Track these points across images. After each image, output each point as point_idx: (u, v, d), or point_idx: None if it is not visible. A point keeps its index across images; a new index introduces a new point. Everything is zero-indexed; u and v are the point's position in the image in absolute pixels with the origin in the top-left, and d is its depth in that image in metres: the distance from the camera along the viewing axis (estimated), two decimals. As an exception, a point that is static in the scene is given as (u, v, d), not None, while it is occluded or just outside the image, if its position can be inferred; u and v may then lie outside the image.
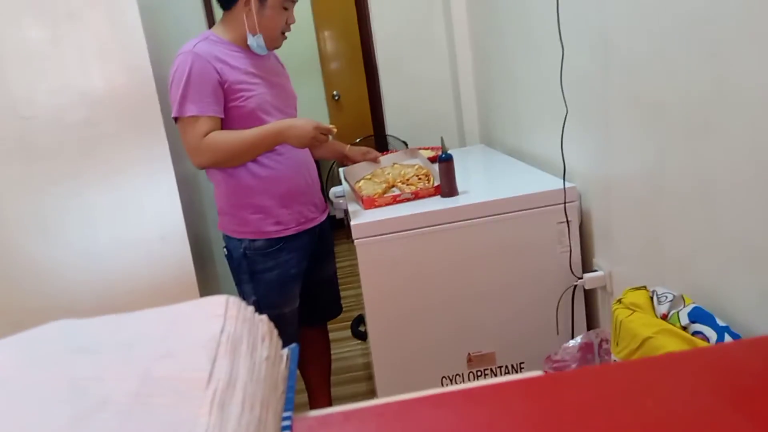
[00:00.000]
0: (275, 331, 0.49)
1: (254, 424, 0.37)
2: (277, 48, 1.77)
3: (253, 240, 1.73)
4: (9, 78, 1.88)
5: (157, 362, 0.39)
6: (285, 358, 0.49)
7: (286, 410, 0.43)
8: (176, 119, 1.64)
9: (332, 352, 2.15)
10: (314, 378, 2.07)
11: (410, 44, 3.04)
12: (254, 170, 1.70)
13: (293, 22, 1.72)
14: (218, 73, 1.61)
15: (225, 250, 1.81)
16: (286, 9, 1.69)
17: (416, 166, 2.00)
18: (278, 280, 1.76)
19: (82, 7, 1.86)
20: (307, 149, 1.81)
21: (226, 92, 1.63)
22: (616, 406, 0.38)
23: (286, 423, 0.41)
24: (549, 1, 1.57)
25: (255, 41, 1.69)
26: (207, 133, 1.60)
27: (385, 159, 2.10)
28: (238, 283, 1.80)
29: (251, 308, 0.49)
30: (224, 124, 1.65)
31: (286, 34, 1.75)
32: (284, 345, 1.72)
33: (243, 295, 1.80)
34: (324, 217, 1.90)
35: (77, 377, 0.38)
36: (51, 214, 1.97)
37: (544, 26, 1.75)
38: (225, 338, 0.43)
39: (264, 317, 0.49)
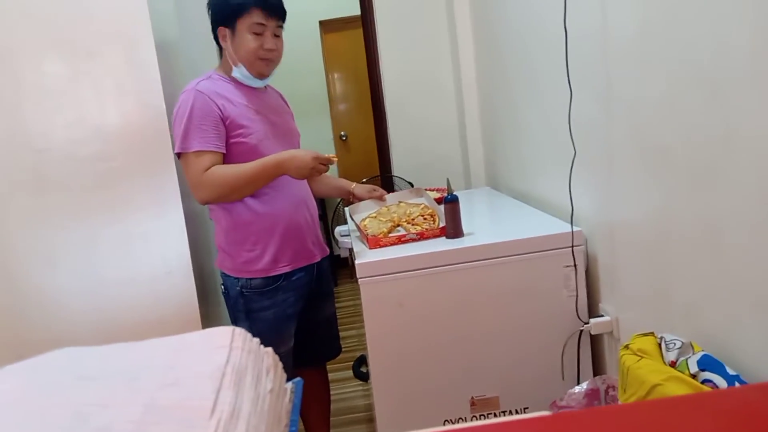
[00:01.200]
0: (280, 365, 0.49)
1: (257, 456, 0.37)
2: (263, 76, 1.76)
3: (250, 279, 1.73)
4: (26, 111, 1.93)
5: (161, 391, 0.39)
6: (289, 391, 0.49)
7: (289, 444, 0.43)
8: (179, 155, 1.68)
9: (333, 392, 2.12)
10: (313, 419, 2.04)
11: (418, 87, 3.09)
12: (253, 206, 1.71)
13: (270, 47, 1.70)
14: (220, 109, 1.65)
15: (222, 287, 1.81)
16: (257, 34, 1.68)
17: (422, 206, 2.01)
18: (274, 320, 1.75)
19: (102, 45, 1.92)
20: (307, 186, 1.83)
21: (227, 128, 1.66)
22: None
23: (289, 456, 0.41)
24: (556, 45, 1.61)
25: (239, 72, 1.73)
26: (209, 168, 1.63)
27: (391, 197, 2.11)
28: (234, 321, 1.79)
29: (256, 340, 0.49)
30: (226, 159, 1.68)
31: (274, 61, 1.75)
32: None
33: None
34: (322, 256, 1.90)
35: (81, 404, 0.38)
36: (60, 245, 1.98)
37: (550, 70, 1.78)
38: (230, 369, 0.43)
39: (269, 350, 0.49)
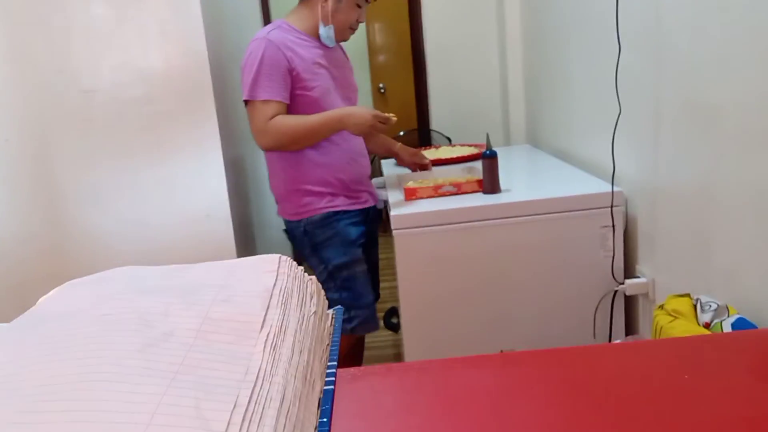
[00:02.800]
0: (323, 292, 0.52)
1: (302, 366, 0.39)
2: (344, 41, 1.85)
3: (310, 217, 1.78)
4: (74, 52, 1.97)
5: (216, 306, 0.42)
6: (331, 316, 0.51)
7: (330, 360, 0.45)
8: (246, 102, 1.72)
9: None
10: (346, 363, 2.10)
11: (460, 41, 3.03)
12: (310, 157, 1.76)
13: (363, 20, 1.80)
14: (288, 60, 1.69)
15: (285, 233, 1.88)
16: (359, 6, 1.77)
17: (468, 176, 1.99)
18: (341, 245, 1.82)
19: (147, -11, 1.93)
20: (362, 141, 1.87)
21: (293, 79, 1.71)
22: (653, 377, 0.39)
23: (331, 370, 0.43)
24: None
25: (326, 32, 1.77)
26: (273, 117, 1.68)
27: (438, 171, 2.10)
28: (306, 259, 1.88)
29: (301, 268, 0.51)
30: (289, 110, 1.73)
31: (355, 30, 1.83)
32: (361, 306, 1.74)
33: (313, 269, 1.87)
34: (374, 202, 1.95)
35: (145, 312, 0.40)
36: (105, 186, 2.04)
37: (599, 24, 1.73)
38: (277, 291, 0.45)
39: (313, 278, 0.51)
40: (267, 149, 1.77)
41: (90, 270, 2.16)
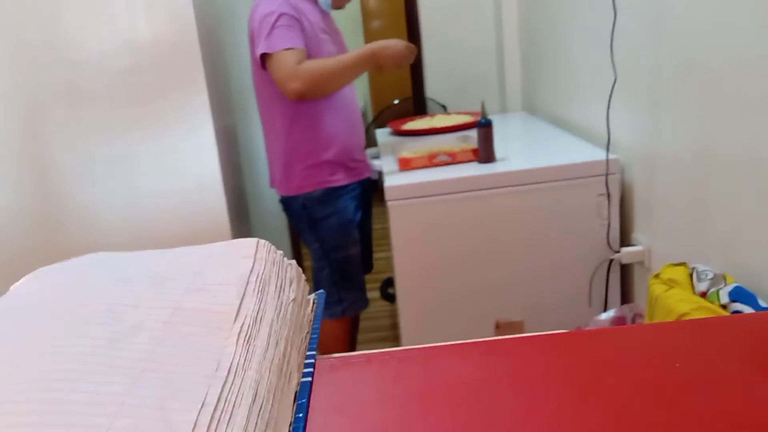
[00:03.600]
0: (303, 276, 0.50)
1: (278, 358, 0.38)
2: (340, 8, 1.81)
3: (310, 192, 1.76)
4: (60, 22, 1.92)
5: (188, 295, 0.40)
6: (312, 302, 0.50)
7: (309, 350, 0.44)
8: (264, 58, 1.66)
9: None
10: (342, 346, 2.11)
11: (455, 6, 2.96)
12: (311, 126, 1.74)
13: None
14: (300, 21, 1.66)
15: (282, 205, 1.86)
16: None
17: (464, 145, 1.97)
18: (338, 225, 1.81)
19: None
20: (359, 109, 1.86)
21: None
22: (644, 365, 0.38)
23: (310, 361, 0.42)
24: (605, -39, 1.51)
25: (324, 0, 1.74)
26: (301, 61, 1.63)
27: (433, 141, 2.07)
28: (301, 234, 1.87)
29: (281, 252, 0.50)
30: None
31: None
32: (353, 288, 1.74)
33: (307, 245, 1.86)
34: (369, 173, 1.93)
35: (113, 303, 0.39)
36: (96, 159, 2.02)
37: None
38: (254, 278, 0.44)
39: (293, 262, 0.50)
40: (299, 96, 1.65)
41: (82, 243, 2.15)
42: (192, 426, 0.30)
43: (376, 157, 2.04)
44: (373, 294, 2.73)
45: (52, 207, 2.04)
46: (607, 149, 1.58)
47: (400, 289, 1.72)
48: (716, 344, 0.38)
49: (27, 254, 2.02)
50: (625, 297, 1.72)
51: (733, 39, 1.09)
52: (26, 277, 0.49)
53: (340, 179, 1.79)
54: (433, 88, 3.10)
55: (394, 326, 2.53)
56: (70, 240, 2.03)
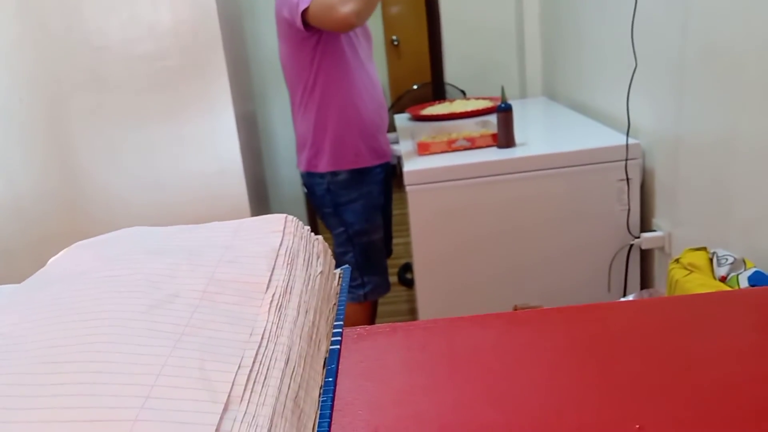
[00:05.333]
0: (329, 251, 0.51)
1: (308, 327, 0.40)
2: None
3: (336, 174, 1.77)
4: (84, 9, 1.94)
5: (221, 267, 0.42)
6: (338, 276, 0.51)
7: (336, 320, 0.45)
8: (305, 16, 1.61)
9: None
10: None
11: (476, -10, 2.94)
12: (339, 105, 1.74)
13: None
14: None
15: (305, 190, 1.87)
16: None
17: (483, 130, 1.97)
18: (363, 210, 1.82)
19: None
20: (381, 88, 1.87)
21: None
22: (662, 336, 0.39)
23: (337, 330, 0.44)
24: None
25: None
26: None
27: (452, 125, 2.07)
28: (324, 218, 1.88)
29: (307, 228, 0.51)
30: (317, 46, 1.69)
31: None
32: (376, 272, 1.75)
33: (331, 229, 1.88)
34: (391, 157, 1.94)
35: (150, 273, 0.40)
36: (118, 143, 2.05)
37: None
38: (283, 251, 0.45)
39: (320, 237, 0.51)
40: (356, 17, 1.57)
41: (106, 226, 2.19)
42: (230, 385, 0.32)
43: (395, 142, 2.05)
44: (390, 279, 2.76)
45: (75, 191, 2.08)
46: (627, 134, 1.58)
47: (419, 274, 1.73)
48: (732, 316, 0.39)
49: (51, 238, 2.07)
50: (645, 283, 1.71)
51: (758, 23, 1.08)
52: (63, 251, 0.52)
53: (366, 160, 1.80)
54: (452, 73, 3.09)
55: (412, 311, 2.55)
56: (94, 223, 2.08)
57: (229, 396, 0.31)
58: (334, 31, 1.65)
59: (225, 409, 0.30)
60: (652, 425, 0.31)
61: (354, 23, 1.59)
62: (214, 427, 0.28)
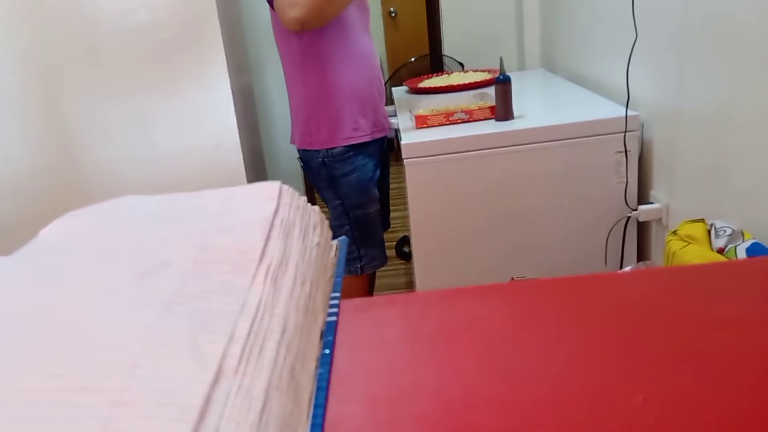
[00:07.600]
0: (326, 222, 0.50)
1: (304, 298, 0.39)
2: None
3: (331, 148, 1.75)
4: (73, -22, 1.90)
5: (214, 234, 0.41)
6: (335, 247, 0.51)
7: (334, 292, 0.44)
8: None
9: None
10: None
11: (474, -41, 2.88)
12: (335, 77, 1.70)
13: None
14: None
15: (300, 162, 1.85)
16: None
17: (481, 103, 1.95)
18: (358, 183, 1.80)
19: None
20: (378, 61, 1.82)
21: None
22: (664, 305, 0.38)
23: (334, 302, 0.43)
24: None
25: None
26: None
27: (450, 98, 2.04)
28: (319, 191, 1.86)
29: (303, 198, 0.50)
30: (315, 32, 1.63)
31: None
32: (372, 245, 1.73)
33: (327, 202, 1.86)
34: (388, 131, 1.92)
35: (142, 241, 0.40)
36: (114, 117, 2.03)
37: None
38: (278, 221, 0.44)
39: (316, 207, 0.50)
40: (300, 24, 1.53)
41: (100, 199, 2.17)
42: (221, 356, 0.31)
43: (393, 115, 2.03)
44: (387, 253, 2.76)
45: (72, 166, 2.06)
46: (627, 106, 1.56)
47: (416, 247, 1.73)
48: (737, 284, 0.39)
49: (46, 211, 2.05)
50: (642, 255, 1.71)
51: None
52: (55, 221, 0.51)
53: (363, 135, 1.77)
54: (450, 45, 3.05)
55: (409, 285, 2.56)
56: (89, 196, 2.06)
57: (222, 367, 0.30)
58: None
59: (218, 381, 0.30)
60: (656, 396, 0.31)
61: (299, 29, 1.54)
62: (204, 397, 0.28)
